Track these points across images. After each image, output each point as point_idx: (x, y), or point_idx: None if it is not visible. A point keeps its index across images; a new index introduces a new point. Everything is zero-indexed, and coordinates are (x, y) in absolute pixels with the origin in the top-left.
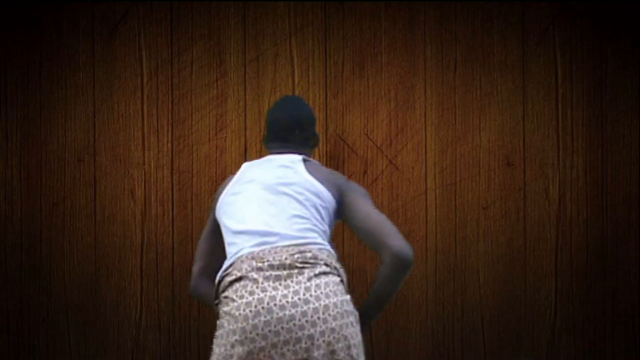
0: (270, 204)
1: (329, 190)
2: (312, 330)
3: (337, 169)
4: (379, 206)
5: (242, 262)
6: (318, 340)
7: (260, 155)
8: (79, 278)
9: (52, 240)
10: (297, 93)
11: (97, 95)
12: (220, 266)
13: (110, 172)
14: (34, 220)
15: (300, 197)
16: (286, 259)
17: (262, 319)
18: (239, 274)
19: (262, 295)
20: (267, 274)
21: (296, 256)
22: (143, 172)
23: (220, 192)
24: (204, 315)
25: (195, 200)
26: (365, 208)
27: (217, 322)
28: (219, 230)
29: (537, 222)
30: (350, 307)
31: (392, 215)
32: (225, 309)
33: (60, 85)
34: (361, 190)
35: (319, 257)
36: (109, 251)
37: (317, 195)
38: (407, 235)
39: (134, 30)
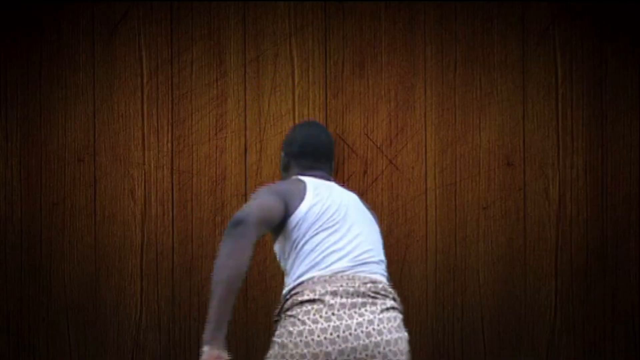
0: (358, 230)
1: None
2: None
3: (337, 169)
4: (379, 206)
5: (314, 283)
6: None
7: (260, 155)
8: (79, 278)
9: (52, 240)
10: (297, 93)
11: (97, 95)
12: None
13: (110, 172)
14: (34, 220)
15: (372, 227)
16: (359, 287)
17: (337, 347)
18: (312, 296)
19: (338, 323)
20: (343, 300)
21: (369, 285)
22: (143, 172)
23: (297, 196)
24: (204, 315)
25: (195, 200)
26: None
27: (277, 340)
28: (282, 215)
29: (537, 222)
30: (406, 345)
31: (392, 215)
32: (293, 329)
33: (60, 85)
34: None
35: (388, 290)
36: (109, 251)
37: (378, 227)
38: (407, 235)
39: (134, 30)
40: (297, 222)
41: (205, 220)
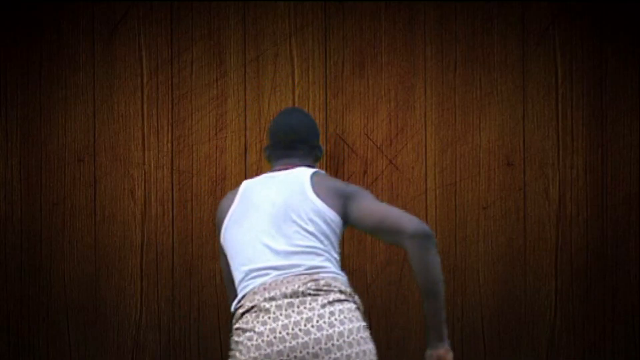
0: (278, 236)
1: (334, 208)
2: (325, 358)
3: (337, 169)
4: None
5: (254, 293)
6: None
7: (260, 155)
8: (79, 278)
9: (52, 240)
10: (297, 93)
11: (97, 95)
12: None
13: (110, 172)
14: (34, 220)
15: (309, 227)
16: (299, 287)
17: (275, 348)
18: (250, 305)
19: (274, 325)
20: (279, 302)
21: (309, 284)
22: (143, 172)
23: (223, 218)
24: (204, 315)
25: (195, 200)
26: (368, 207)
27: (230, 353)
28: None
29: (537, 222)
30: (366, 333)
31: None
32: (237, 339)
33: (60, 85)
34: (361, 192)
35: (333, 285)
36: (109, 251)
37: (325, 221)
38: None
39: (134, 30)
40: (225, 240)
41: (205, 220)
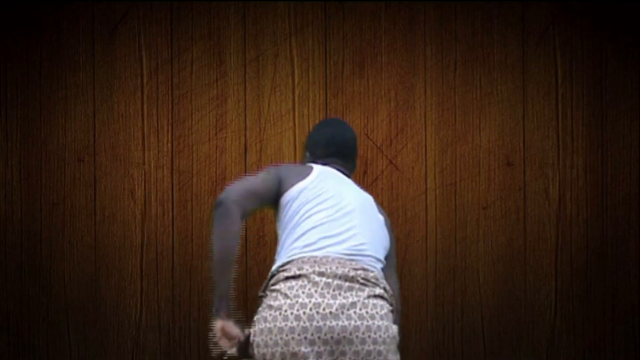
0: (348, 227)
1: (389, 238)
2: (359, 348)
3: None
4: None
5: (303, 262)
6: (363, 359)
7: (260, 155)
8: (79, 278)
9: (52, 240)
10: (297, 93)
11: (97, 95)
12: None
13: (110, 172)
14: (34, 220)
15: (375, 226)
16: (349, 272)
17: (315, 323)
18: (298, 272)
19: (319, 300)
20: (329, 280)
21: (360, 272)
22: (143, 172)
23: (297, 179)
24: (204, 315)
25: (195, 200)
26: (394, 277)
27: (257, 315)
28: (274, 190)
29: (537, 222)
30: (397, 337)
31: (392, 215)
32: (274, 303)
33: (60, 85)
34: (395, 252)
35: (380, 280)
36: (109, 251)
37: (384, 234)
38: (407, 235)
39: (134, 30)
40: (289, 201)
41: (205, 220)
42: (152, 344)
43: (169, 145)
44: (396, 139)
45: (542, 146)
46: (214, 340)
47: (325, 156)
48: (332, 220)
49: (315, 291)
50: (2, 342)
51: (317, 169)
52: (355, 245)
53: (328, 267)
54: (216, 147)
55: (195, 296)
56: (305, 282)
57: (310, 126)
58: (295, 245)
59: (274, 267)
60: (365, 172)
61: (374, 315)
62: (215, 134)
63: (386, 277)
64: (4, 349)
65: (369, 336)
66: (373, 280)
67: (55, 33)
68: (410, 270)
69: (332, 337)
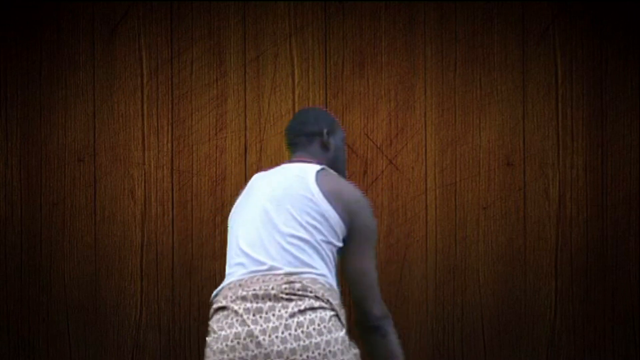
0: (267, 224)
1: (337, 210)
2: None
3: None
4: (379, 206)
5: (229, 289)
6: None
7: (260, 155)
8: (79, 278)
9: (52, 240)
10: (297, 93)
11: (97, 95)
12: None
13: (110, 172)
14: (34, 220)
15: (301, 217)
16: (272, 288)
17: (237, 355)
18: (223, 303)
19: (239, 329)
20: (249, 305)
21: (284, 286)
22: (143, 172)
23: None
24: (204, 315)
25: (195, 200)
26: (363, 260)
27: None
28: None
29: (537, 222)
30: (337, 346)
31: (392, 215)
32: (207, 339)
33: (60, 85)
34: (370, 229)
35: (309, 289)
36: (109, 251)
37: (322, 215)
38: (407, 235)
39: (134, 30)
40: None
41: (205, 220)
42: (152, 344)
43: (169, 145)
44: (396, 139)
45: (542, 146)
46: None
47: (290, 146)
48: (247, 233)
49: (237, 320)
50: (2, 342)
51: (255, 176)
52: (277, 256)
53: (251, 289)
54: (216, 147)
55: (195, 296)
56: (228, 312)
57: None
58: (227, 269)
59: (211, 296)
60: (365, 172)
61: (299, 336)
62: (215, 134)
63: (347, 263)
64: (4, 349)
65: (295, 359)
66: (300, 292)
67: (55, 33)
68: (410, 270)
69: None
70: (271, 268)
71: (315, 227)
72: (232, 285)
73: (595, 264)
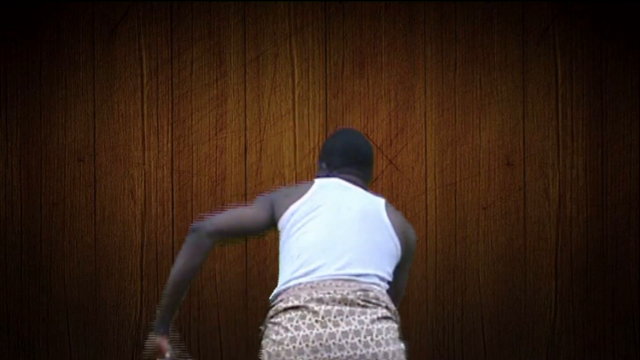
0: (342, 232)
1: (401, 244)
2: None
3: None
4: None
5: (300, 289)
6: None
7: (260, 155)
8: (79, 278)
9: (52, 240)
10: (297, 93)
11: (97, 95)
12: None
13: (110, 172)
14: (34, 220)
15: (377, 237)
16: (348, 294)
17: (319, 356)
18: (296, 302)
19: (321, 330)
20: (328, 307)
21: (358, 293)
22: (143, 172)
23: (292, 200)
24: (204, 315)
25: (195, 200)
26: (404, 280)
27: (262, 350)
28: (263, 221)
29: (537, 222)
30: (402, 357)
31: None
32: (276, 337)
33: (60, 85)
34: (413, 255)
35: (381, 299)
36: (109, 251)
37: (393, 243)
38: None
39: (134, 30)
40: (284, 225)
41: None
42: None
43: (169, 145)
44: (396, 139)
45: (542, 146)
46: (147, 352)
47: (342, 166)
48: (325, 239)
49: (317, 321)
50: (2, 342)
51: (319, 182)
52: (351, 264)
53: (326, 292)
54: (216, 147)
55: (195, 296)
56: (305, 312)
57: (311, 126)
58: (290, 270)
59: (271, 296)
60: None
61: (380, 342)
62: (215, 134)
63: (396, 278)
64: (4, 349)
65: None
66: (374, 300)
67: (55, 33)
68: (410, 270)
69: None
70: (344, 274)
71: (388, 252)
72: (302, 287)
73: (595, 264)
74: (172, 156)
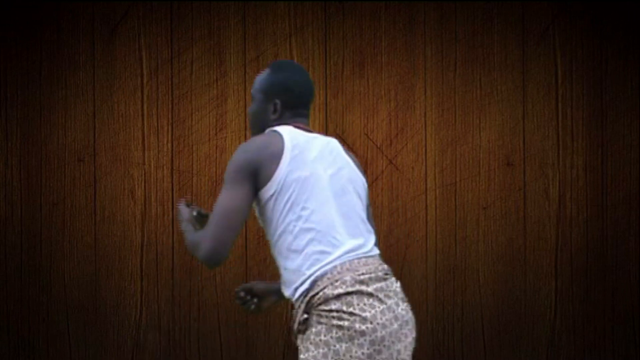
0: (344, 206)
1: (365, 177)
2: (409, 339)
3: None
4: (379, 206)
5: (339, 273)
6: (410, 349)
7: None
8: (79, 278)
9: (52, 240)
10: None
11: (97, 95)
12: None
13: (110, 172)
14: (34, 220)
15: (361, 199)
16: (375, 270)
17: (394, 327)
18: (346, 288)
19: (383, 307)
20: (375, 285)
21: (379, 267)
22: (143, 172)
23: (275, 159)
24: (204, 315)
25: (195, 200)
26: (370, 209)
27: (323, 338)
28: (250, 205)
29: (537, 222)
30: None
31: (392, 215)
32: (343, 323)
33: (60, 85)
34: None
35: (387, 268)
36: (109, 251)
37: (366, 192)
38: (407, 235)
39: (134, 30)
40: (273, 195)
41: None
42: (152, 344)
43: (169, 145)
44: (396, 139)
45: (542, 146)
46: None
47: (297, 106)
48: (334, 211)
49: (375, 301)
50: (2, 342)
51: (286, 138)
52: (361, 235)
53: (359, 273)
54: (216, 147)
55: (195, 296)
56: (362, 296)
57: (311, 126)
58: (315, 249)
59: (299, 283)
60: (365, 172)
61: (408, 308)
62: (215, 134)
63: (368, 216)
64: (4, 349)
65: (414, 326)
66: (389, 272)
67: (55, 33)
68: (410, 270)
69: (404, 334)
70: (363, 253)
71: (367, 207)
72: (339, 270)
73: (595, 264)
74: (172, 156)
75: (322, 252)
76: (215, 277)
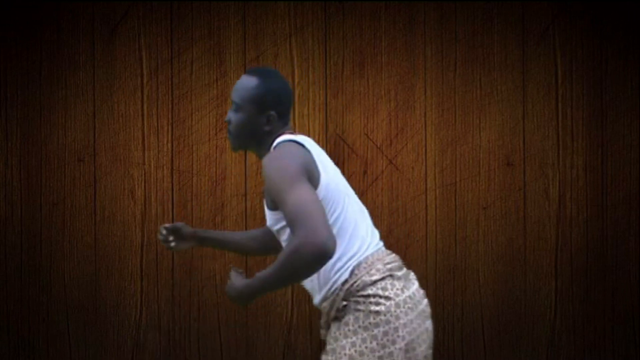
0: (357, 203)
1: None
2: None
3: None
4: (379, 206)
5: (373, 262)
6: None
7: None
8: (79, 278)
9: (52, 240)
10: (297, 93)
11: (97, 95)
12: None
13: (110, 172)
14: (34, 220)
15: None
16: (396, 259)
17: (422, 306)
18: (380, 274)
19: (413, 289)
20: (401, 272)
21: (396, 257)
22: (143, 172)
23: (314, 167)
24: (204, 315)
25: (195, 200)
26: None
27: (361, 323)
28: None
29: (537, 222)
30: None
31: (392, 215)
32: (379, 308)
33: (60, 85)
34: None
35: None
36: (109, 251)
37: None
38: (407, 235)
39: (134, 30)
40: (323, 198)
41: (205, 220)
42: (152, 344)
43: (169, 145)
44: (396, 139)
45: (542, 146)
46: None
47: (287, 113)
48: (357, 209)
49: (406, 282)
50: (2, 342)
51: (307, 147)
52: (375, 232)
53: (386, 261)
54: (216, 147)
55: (195, 296)
56: (393, 280)
57: (311, 126)
58: (347, 243)
59: (338, 274)
60: (365, 172)
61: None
62: (215, 134)
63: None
64: (4, 349)
65: (430, 312)
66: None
67: (55, 33)
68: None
69: (428, 314)
70: (381, 244)
71: None
72: (370, 260)
73: (595, 264)
74: (172, 156)
75: (359, 247)
76: (215, 277)
